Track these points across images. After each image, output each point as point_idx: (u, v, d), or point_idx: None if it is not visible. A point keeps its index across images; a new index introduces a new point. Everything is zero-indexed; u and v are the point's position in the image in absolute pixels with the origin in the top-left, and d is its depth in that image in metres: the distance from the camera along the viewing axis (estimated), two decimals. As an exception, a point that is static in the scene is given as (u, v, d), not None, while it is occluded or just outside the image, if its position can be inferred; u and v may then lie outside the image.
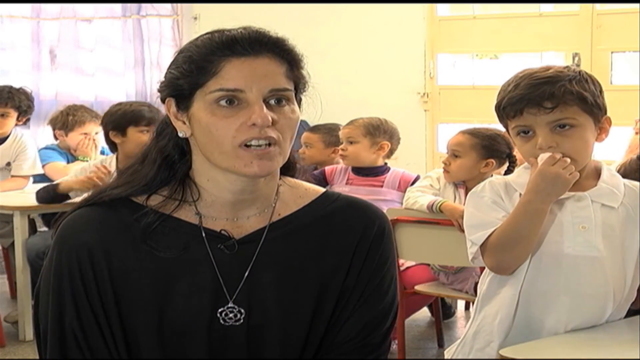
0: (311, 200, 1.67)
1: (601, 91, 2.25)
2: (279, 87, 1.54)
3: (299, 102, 1.61)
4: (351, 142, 4.50)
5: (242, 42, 1.53)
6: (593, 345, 2.14)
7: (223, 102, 1.52)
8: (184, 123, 1.58)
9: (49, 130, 5.64)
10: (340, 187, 4.40)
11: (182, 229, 1.59)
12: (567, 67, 2.29)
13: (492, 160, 3.95)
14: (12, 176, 5.26)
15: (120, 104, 4.62)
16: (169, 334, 1.57)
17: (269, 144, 1.52)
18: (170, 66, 1.59)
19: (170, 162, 1.62)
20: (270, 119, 1.51)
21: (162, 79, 1.60)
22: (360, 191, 4.39)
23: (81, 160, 5.32)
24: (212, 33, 1.57)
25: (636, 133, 4.89)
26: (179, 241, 1.58)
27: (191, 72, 1.54)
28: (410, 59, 6.89)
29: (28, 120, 5.27)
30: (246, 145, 1.52)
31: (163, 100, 1.61)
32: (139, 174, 1.62)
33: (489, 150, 3.95)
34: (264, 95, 1.52)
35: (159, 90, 1.61)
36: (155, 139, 1.64)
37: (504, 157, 4.00)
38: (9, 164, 5.24)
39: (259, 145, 1.52)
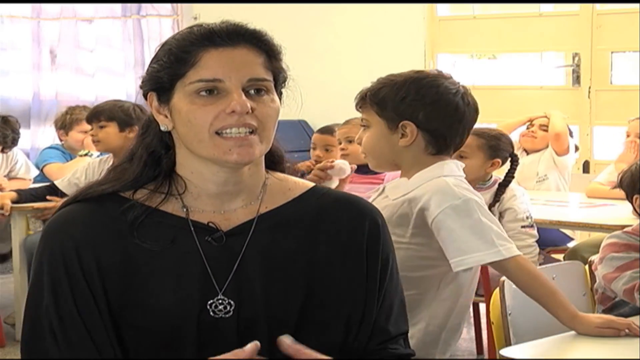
0: (300, 193, 1.67)
1: (413, 99, 2.43)
2: (257, 76, 1.55)
3: (280, 95, 1.62)
4: (350, 142, 4.49)
5: (220, 33, 1.55)
6: (593, 345, 2.14)
7: (203, 93, 1.54)
8: (166, 116, 1.58)
9: (49, 130, 5.66)
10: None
11: (170, 221, 1.59)
12: (418, 71, 2.57)
13: (498, 159, 3.97)
14: (11, 178, 5.27)
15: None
16: (158, 326, 1.56)
17: (250, 132, 1.54)
18: (151, 61, 1.61)
19: (157, 157, 1.63)
20: (249, 106, 1.52)
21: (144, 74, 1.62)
22: (361, 189, 4.37)
23: (81, 155, 5.33)
24: (191, 27, 1.59)
25: (634, 152, 4.85)
26: (167, 234, 1.58)
27: (171, 63, 1.55)
28: (410, 59, 6.88)
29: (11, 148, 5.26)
30: (224, 134, 1.53)
31: (145, 96, 1.62)
32: (127, 172, 1.63)
33: (495, 150, 3.98)
34: (243, 85, 1.54)
35: (140, 87, 1.63)
36: (141, 137, 1.65)
37: (507, 156, 4.02)
38: (6, 175, 5.25)
39: (239, 133, 1.53)
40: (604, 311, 2.58)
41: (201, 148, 1.55)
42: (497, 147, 3.99)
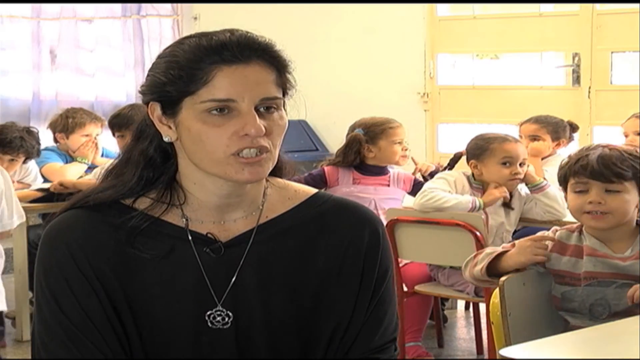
0: (300, 201, 1.65)
1: None
2: (270, 95, 1.52)
3: (284, 105, 1.59)
4: None
5: (231, 47, 1.51)
6: (593, 345, 2.14)
7: (214, 111, 1.50)
8: (170, 128, 1.56)
9: (49, 130, 5.64)
10: (348, 187, 4.42)
11: (169, 231, 1.58)
12: None
13: None
14: (18, 181, 5.26)
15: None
16: (155, 336, 1.56)
17: (260, 152, 1.51)
18: (152, 69, 1.57)
19: (154, 165, 1.60)
20: (263, 129, 1.50)
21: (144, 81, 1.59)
22: (369, 190, 4.42)
23: (79, 161, 5.33)
24: (198, 37, 1.54)
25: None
26: (165, 244, 1.57)
27: (180, 78, 1.51)
28: (410, 59, 6.89)
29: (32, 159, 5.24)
30: (238, 154, 1.51)
31: (146, 103, 1.59)
32: (123, 177, 1.60)
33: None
34: (256, 104, 1.51)
35: (141, 93, 1.59)
36: (135, 141, 1.62)
37: None
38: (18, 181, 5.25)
39: (251, 154, 1.51)
40: (557, 307, 2.61)
41: (212, 166, 1.53)
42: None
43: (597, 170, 2.55)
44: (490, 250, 2.65)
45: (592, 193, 2.57)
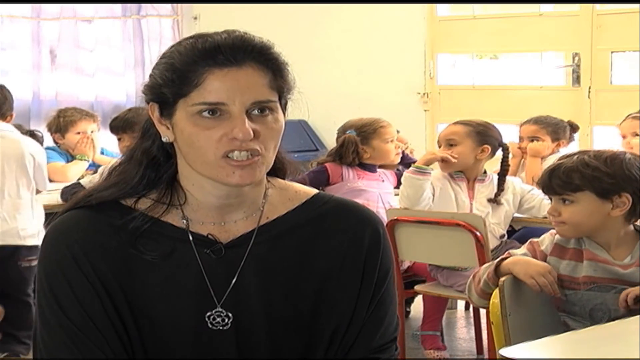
0: (301, 202, 1.65)
1: None
2: (262, 99, 1.52)
3: (285, 105, 1.59)
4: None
5: (225, 50, 1.51)
6: (593, 346, 2.14)
7: (205, 114, 1.51)
8: (168, 128, 1.57)
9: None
10: (355, 183, 4.45)
11: (170, 232, 1.58)
12: None
13: (487, 146, 4.03)
14: None
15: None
16: (155, 337, 1.56)
17: (252, 155, 1.51)
18: (153, 69, 1.58)
19: (156, 164, 1.61)
20: (251, 133, 1.50)
21: (147, 80, 1.60)
22: (373, 185, 4.47)
23: (79, 159, 5.34)
24: (195, 39, 1.55)
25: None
26: (166, 245, 1.57)
27: (173, 81, 1.52)
28: (410, 59, 6.89)
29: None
30: (228, 157, 1.51)
31: (147, 103, 1.60)
32: (126, 176, 1.61)
33: (483, 136, 4.05)
34: (247, 107, 1.51)
35: (143, 92, 1.61)
36: (140, 140, 1.63)
37: (497, 144, 4.08)
38: None
39: (242, 157, 1.51)
40: (559, 308, 2.61)
41: (204, 169, 1.54)
42: (485, 133, 4.07)
43: (544, 184, 2.62)
44: (488, 264, 2.65)
45: (552, 203, 2.62)
